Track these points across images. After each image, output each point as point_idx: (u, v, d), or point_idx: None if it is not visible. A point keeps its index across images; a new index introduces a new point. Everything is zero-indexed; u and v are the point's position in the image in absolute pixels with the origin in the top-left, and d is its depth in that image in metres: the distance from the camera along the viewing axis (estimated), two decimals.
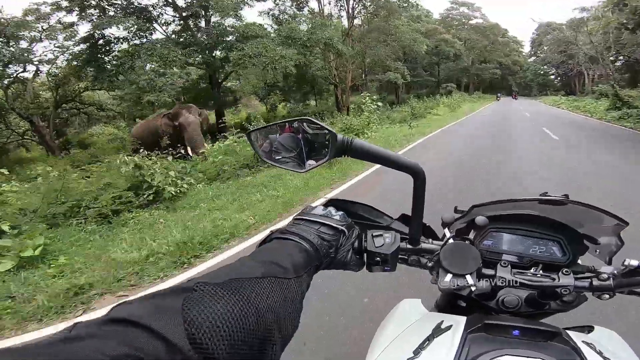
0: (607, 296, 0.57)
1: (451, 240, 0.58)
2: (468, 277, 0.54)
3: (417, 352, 0.51)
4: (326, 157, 0.56)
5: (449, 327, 0.55)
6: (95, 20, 14.85)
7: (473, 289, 0.54)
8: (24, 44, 15.60)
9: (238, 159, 7.01)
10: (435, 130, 12.72)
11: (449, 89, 40.00)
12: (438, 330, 0.55)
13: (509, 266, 0.58)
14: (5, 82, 15.19)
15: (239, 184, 5.80)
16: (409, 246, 0.61)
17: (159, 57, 13.80)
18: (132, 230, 4.06)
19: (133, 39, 15.87)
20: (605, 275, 0.57)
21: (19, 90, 16.62)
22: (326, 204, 0.60)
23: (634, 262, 0.54)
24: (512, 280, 0.56)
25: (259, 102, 30.16)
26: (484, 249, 0.65)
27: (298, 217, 0.55)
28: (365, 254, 0.58)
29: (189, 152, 9.07)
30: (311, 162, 0.59)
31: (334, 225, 0.53)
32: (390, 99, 30.29)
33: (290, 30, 16.47)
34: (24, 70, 16.35)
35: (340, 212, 0.57)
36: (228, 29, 16.03)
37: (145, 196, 5.05)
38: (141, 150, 6.54)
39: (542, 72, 61.77)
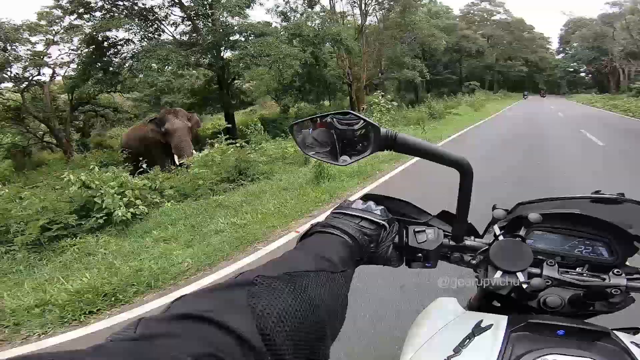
0: None
1: (501, 237, 0.57)
2: (519, 274, 0.53)
3: (457, 350, 0.50)
4: (367, 150, 0.54)
5: (489, 326, 0.54)
6: (97, 22, 14.42)
7: (524, 286, 0.53)
8: (39, 47, 15.40)
9: (218, 171, 6.08)
10: (453, 133, 11.11)
11: (471, 87, 37.82)
12: (479, 329, 0.53)
13: (556, 265, 0.57)
14: (22, 85, 15.10)
15: (208, 204, 4.89)
16: (452, 243, 0.60)
17: (158, 59, 13.19)
18: (61, 262, 3.48)
19: (142, 40, 15.37)
20: None
21: (36, 93, 16.57)
22: (365, 198, 0.58)
23: None
24: (560, 279, 0.55)
25: (275, 102, 29.59)
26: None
27: (337, 210, 0.53)
28: (405, 250, 0.57)
29: (176, 160, 8.23)
30: (345, 158, 0.56)
31: (375, 219, 0.51)
32: (410, 98, 28.90)
33: (296, 27, 15.50)
34: (38, 74, 16.29)
35: (381, 207, 0.55)
36: (233, 27, 15.26)
37: (94, 219, 4.27)
38: (142, 164, 6.07)
39: (571, 70, 57.80)
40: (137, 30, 14.66)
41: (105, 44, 15.26)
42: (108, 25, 13.85)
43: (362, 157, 0.55)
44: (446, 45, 27.11)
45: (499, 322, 0.54)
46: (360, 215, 0.51)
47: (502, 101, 33.61)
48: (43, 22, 15.49)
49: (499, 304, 0.66)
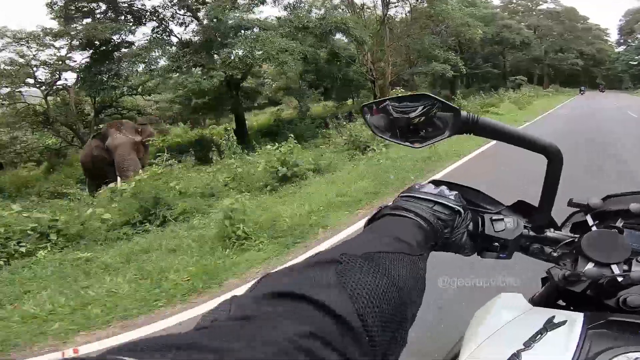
0: None
1: (594, 228, 0.55)
2: (614, 267, 0.50)
3: (528, 344, 0.48)
4: (445, 133, 0.51)
5: (563, 322, 0.51)
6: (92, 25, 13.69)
7: (620, 279, 0.50)
8: (63, 52, 15.08)
9: (129, 207, 4.23)
10: (475, 148, 7.47)
11: (518, 82, 33.70)
12: (551, 324, 0.51)
13: None
14: (47, 90, 14.91)
15: (72, 260, 3.18)
16: (532, 234, 0.57)
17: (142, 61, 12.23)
18: None
19: (152, 44, 14.49)
20: None
21: (62, 96, 16.38)
22: (435, 184, 0.55)
23: None
24: None
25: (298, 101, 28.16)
26: None
27: (406, 194, 0.50)
28: (480, 238, 0.54)
29: (118, 181, 6.63)
30: (418, 141, 0.54)
31: (450, 204, 0.49)
32: (445, 95, 26.06)
33: (297, 18, 13.73)
34: (59, 78, 16.06)
35: (455, 192, 0.52)
36: (229, 25, 13.81)
37: None
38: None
39: (636, 62, 50.35)
40: (131, 29, 13.78)
41: (104, 47, 14.55)
42: (105, 29, 13.03)
43: (439, 140, 0.52)
44: (484, 36, 23.90)
45: (574, 319, 0.51)
46: (433, 199, 0.48)
47: (553, 97, 29.18)
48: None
49: (564, 303, 0.62)
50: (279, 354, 0.19)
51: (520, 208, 0.60)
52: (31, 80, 14.02)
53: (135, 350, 0.17)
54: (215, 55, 14.18)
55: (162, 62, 13.37)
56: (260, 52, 12.23)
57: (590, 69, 49.52)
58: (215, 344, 0.19)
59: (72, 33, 14.11)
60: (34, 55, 14.08)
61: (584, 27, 45.69)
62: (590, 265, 0.51)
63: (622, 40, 53.81)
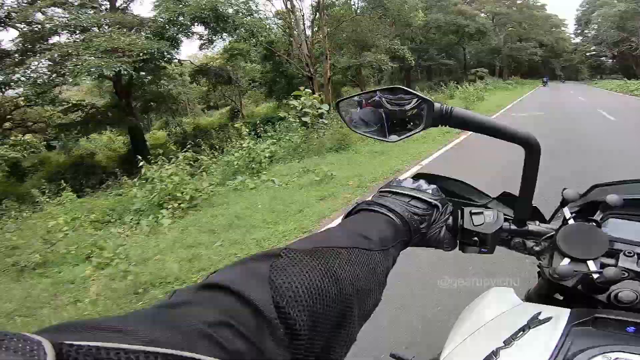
0: None
1: (572, 221, 0.51)
2: (590, 263, 0.47)
3: (508, 341, 0.46)
4: (419, 126, 0.50)
5: (548, 319, 0.49)
6: None
7: (595, 276, 0.47)
8: None
9: None
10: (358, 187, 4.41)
11: (479, 74, 31.64)
12: (535, 321, 0.49)
13: (636, 256, 0.49)
14: None
15: None
16: (513, 227, 0.54)
17: None
18: None
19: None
20: None
21: None
22: (415, 177, 0.54)
23: None
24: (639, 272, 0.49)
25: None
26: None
27: (384, 189, 0.49)
28: (460, 233, 0.51)
29: None
30: (394, 136, 0.53)
31: (426, 198, 0.47)
32: None
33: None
34: None
35: (433, 186, 0.51)
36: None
37: None
38: None
39: (593, 53, 49.45)
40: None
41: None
42: None
43: (414, 133, 0.51)
44: (424, 19, 20.88)
45: (560, 315, 0.48)
46: (410, 194, 0.47)
47: (512, 90, 26.64)
48: None
49: (561, 297, 0.59)
50: (181, 338, 0.20)
51: (507, 199, 0.58)
52: None
53: (60, 331, 0.18)
54: None
55: None
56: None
57: (549, 60, 48.12)
58: (126, 326, 0.19)
59: None
60: None
61: (543, 16, 43.87)
62: (565, 262, 0.48)
63: (579, 31, 52.87)
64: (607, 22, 40.27)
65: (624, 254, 0.49)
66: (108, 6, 12.88)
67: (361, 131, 0.56)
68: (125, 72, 9.27)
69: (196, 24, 11.37)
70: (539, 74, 44.99)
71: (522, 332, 0.47)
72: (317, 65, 17.82)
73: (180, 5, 10.89)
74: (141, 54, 9.36)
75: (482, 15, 34.89)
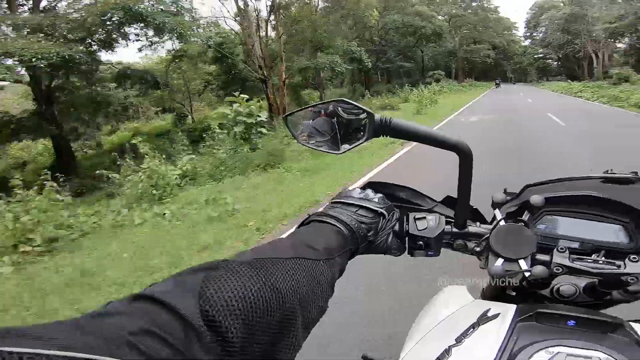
0: None
1: (502, 223, 0.52)
2: (521, 261, 0.49)
3: (459, 339, 0.47)
4: (363, 137, 0.51)
5: (496, 315, 0.50)
6: None
7: (527, 274, 0.49)
8: None
9: None
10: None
11: (436, 76, 32.43)
12: (484, 318, 0.50)
13: (567, 252, 0.51)
14: None
15: None
16: (454, 230, 0.56)
17: None
18: None
19: None
20: None
21: None
22: (364, 187, 0.56)
23: None
24: (571, 267, 0.50)
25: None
26: (538, 234, 0.56)
27: (335, 200, 0.51)
28: (407, 238, 0.53)
29: None
30: (346, 145, 0.54)
31: (373, 207, 0.49)
32: (361, 93, 22.92)
33: None
34: None
35: (380, 195, 0.52)
36: None
37: None
38: None
39: (541, 55, 52.23)
40: None
41: None
42: None
43: (358, 144, 0.53)
44: (377, 18, 20.76)
45: (507, 312, 0.50)
46: (357, 203, 0.49)
47: (466, 92, 27.43)
48: None
49: (514, 293, 0.61)
50: (101, 344, 0.20)
51: (450, 203, 0.59)
52: None
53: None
54: None
55: None
56: None
57: (501, 62, 50.24)
58: (47, 333, 0.19)
59: None
60: None
61: (495, 18, 45.65)
62: (499, 262, 0.49)
63: (528, 34, 55.63)
64: (553, 25, 42.60)
65: (557, 250, 0.51)
66: (31, 6, 11.41)
67: (311, 144, 0.57)
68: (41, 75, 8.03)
69: (114, 24, 10.17)
70: (492, 76, 46.89)
71: (472, 330, 0.48)
72: (274, 67, 17.08)
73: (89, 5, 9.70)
74: (54, 58, 8.18)
75: (440, 17, 35.66)
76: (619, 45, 35.62)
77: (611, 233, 0.55)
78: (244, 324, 0.26)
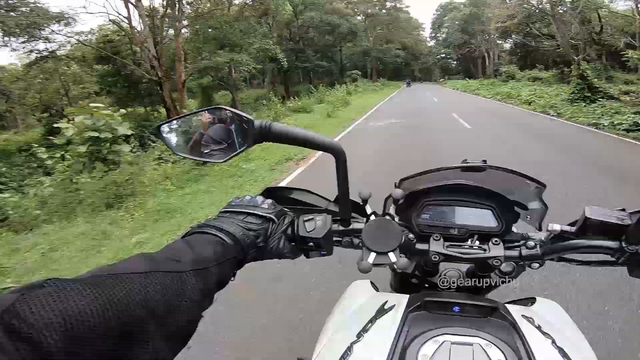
0: (537, 265, 0.55)
1: (373, 217, 0.54)
2: (391, 254, 0.50)
3: (359, 335, 0.48)
4: (244, 145, 0.50)
5: (391, 307, 0.52)
6: None
7: (395, 267, 0.51)
8: None
9: None
10: None
11: (354, 76, 32.93)
12: (381, 311, 0.52)
13: (441, 239, 0.56)
14: None
15: None
16: (340, 227, 0.57)
17: None
18: None
19: None
20: (532, 243, 0.54)
21: None
22: (262, 193, 0.57)
23: (557, 227, 0.52)
24: (445, 253, 0.54)
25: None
26: (422, 223, 0.60)
27: (223, 209, 0.51)
28: (298, 240, 0.54)
29: None
30: (228, 154, 0.53)
31: (261, 213, 0.50)
32: (281, 93, 21.73)
33: None
34: None
35: (269, 200, 0.53)
36: None
37: None
38: None
39: (443, 56, 57.08)
40: None
41: None
42: None
43: (240, 152, 0.52)
44: (312, 22, 20.12)
45: (400, 302, 0.51)
46: (244, 211, 0.50)
47: (379, 92, 27.96)
48: None
49: (416, 281, 0.63)
50: None
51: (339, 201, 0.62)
52: None
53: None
54: None
55: None
56: None
57: (410, 62, 53.36)
58: None
59: None
60: None
61: (405, 18, 48.21)
62: (372, 256, 0.50)
63: (433, 35, 60.30)
64: (454, 26, 46.62)
65: (433, 239, 0.54)
66: None
67: (191, 154, 0.56)
68: None
69: None
70: (402, 76, 49.79)
71: (370, 324, 0.49)
72: (174, 68, 14.87)
73: None
74: None
75: (359, 18, 36.27)
76: (505, 45, 40.62)
77: (482, 218, 0.57)
78: (67, 338, 0.26)
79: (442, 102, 17.55)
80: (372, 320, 0.49)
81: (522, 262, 0.54)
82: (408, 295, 0.52)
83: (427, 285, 0.60)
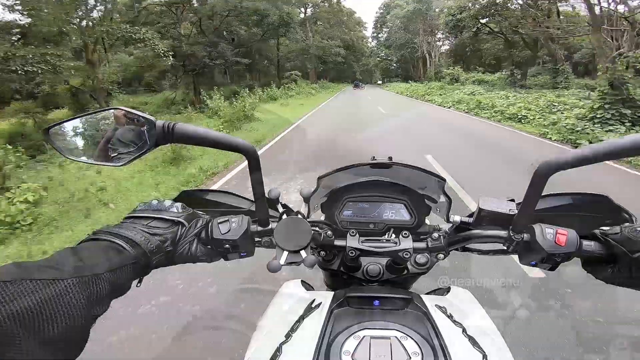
0: (442, 255, 0.56)
1: (284, 216, 0.54)
2: (302, 252, 0.50)
3: (288, 335, 0.48)
4: (145, 147, 0.46)
5: (318, 305, 0.52)
6: None
7: (304, 264, 0.51)
8: None
9: None
10: None
11: (293, 77, 29.36)
12: (309, 310, 0.52)
13: (357, 235, 0.56)
14: None
15: None
16: (259, 228, 0.55)
17: None
18: None
19: None
20: (437, 235, 0.56)
21: None
22: (178, 196, 0.55)
23: (457, 218, 0.53)
24: (361, 248, 0.54)
25: None
26: (344, 220, 0.61)
27: (127, 215, 0.49)
28: (213, 243, 0.52)
29: None
30: (128, 157, 0.48)
31: (168, 217, 0.48)
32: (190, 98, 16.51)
33: None
34: None
35: (179, 204, 0.51)
36: None
37: None
38: None
39: (384, 57, 53.57)
40: None
41: None
42: None
43: (140, 156, 0.48)
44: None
45: (326, 300, 0.51)
46: (150, 215, 0.48)
47: (315, 96, 23.74)
48: None
49: (345, 277, 0.63)
50: None
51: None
52: None
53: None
54: None
55: None
56: None
57: (351, 63, 48.68)
58: None
59: None
60: None
61: (347, 11, 43.88)
62: (284, 255, 0.50)
63: (375, 34, 56.82)
64: (397, 23, 42.70)
65: (349, 234, 0.55)
66: None
67: (83, 158, 0.51)
68: None
69: None
70: (344, 78, 46.10)
71: (298, 324, 0.49)
72: None
73: None
74: None
75: (298, 10, 31.48)
76: (443, 47, 38.86)
77: (397, 212, 0.59)
78: None
79: (389, 111, 13.11)
80: (299, 320, 0.49)
81: (429, 254, 0.55)
82: (332, 292, 0.52)
83: (355, 281, 0.60)
